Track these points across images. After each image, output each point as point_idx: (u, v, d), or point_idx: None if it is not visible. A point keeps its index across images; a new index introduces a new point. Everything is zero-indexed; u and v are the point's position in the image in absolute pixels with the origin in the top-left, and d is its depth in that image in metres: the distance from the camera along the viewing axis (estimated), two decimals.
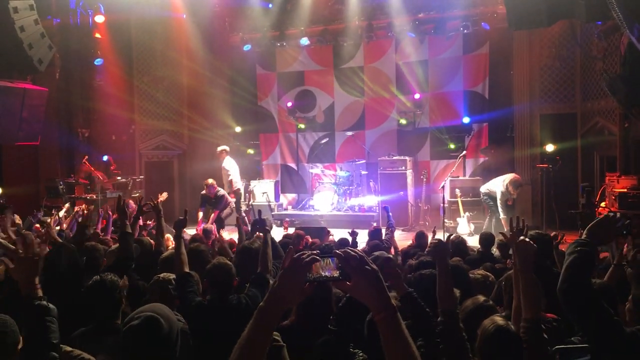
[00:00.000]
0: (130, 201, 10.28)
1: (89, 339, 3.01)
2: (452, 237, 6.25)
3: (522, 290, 2.76)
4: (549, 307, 3.23)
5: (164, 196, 8.10)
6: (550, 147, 11.53)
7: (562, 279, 2.43)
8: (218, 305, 3.53)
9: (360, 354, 2.70)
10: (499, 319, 2.59)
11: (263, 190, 13.63)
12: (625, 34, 6.93)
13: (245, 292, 3.72)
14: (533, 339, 2.57)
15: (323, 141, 14.86)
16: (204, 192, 11.07)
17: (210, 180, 11.07)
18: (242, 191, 12.26)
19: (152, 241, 5.58)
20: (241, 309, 3.52)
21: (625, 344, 2.36)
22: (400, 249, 6.90)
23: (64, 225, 7.39)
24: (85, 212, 6.78)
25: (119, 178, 12.32)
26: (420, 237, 6.92)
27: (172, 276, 3.61)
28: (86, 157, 11.90)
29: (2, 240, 4.23)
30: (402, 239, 10.19)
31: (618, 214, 2.64)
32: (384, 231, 7.09)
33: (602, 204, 10.19)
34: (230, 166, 11.86)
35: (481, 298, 3.15)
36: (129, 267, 4.04)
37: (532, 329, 2.59)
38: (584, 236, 2.52)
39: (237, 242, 6.31)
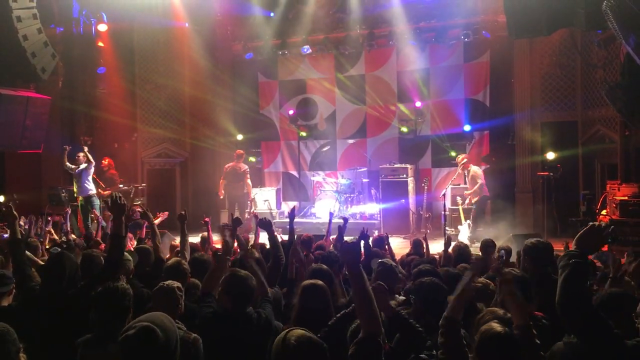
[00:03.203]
0: (138, 209, 10.33)
1: (91, 346, 3.03)
2: (455, 244, 6.30)
3: (508, 297, 2.80)
4: (541, 308, 3.27)
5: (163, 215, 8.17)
6: (551, 155, 11.54)
7: (559, 293, 2.46)
8: (237, 316, 3.45)
9: None
10: (496, 325, 2.61)
11: (265, 198, 13.65)
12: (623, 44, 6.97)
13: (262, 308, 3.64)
14: (526, 344, 2.61)
15: (324, 149, 14.89)
16: None
17: None
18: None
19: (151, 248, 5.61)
20: (260, 324, 3.46)
21: (625, 356, 2.38)
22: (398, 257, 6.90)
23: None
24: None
25: (121, 185, 12.36)
26: (417, 245, 6.93)
27: (177, 284, 3.59)
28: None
29: None
30: (404, 246, 10.19)
31: (603, 223, 2.67)
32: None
33: (603, 212, 10.20)
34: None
35: (500, 311, 3.14)
36: (114, 277, 3.78)
37: (523, 334, 2.63)
38: (573, 247, 2.56)
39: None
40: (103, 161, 12.65)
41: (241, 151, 13.13)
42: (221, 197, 12.95)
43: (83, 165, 10.82)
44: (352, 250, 2.73)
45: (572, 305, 2.44)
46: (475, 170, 11.36)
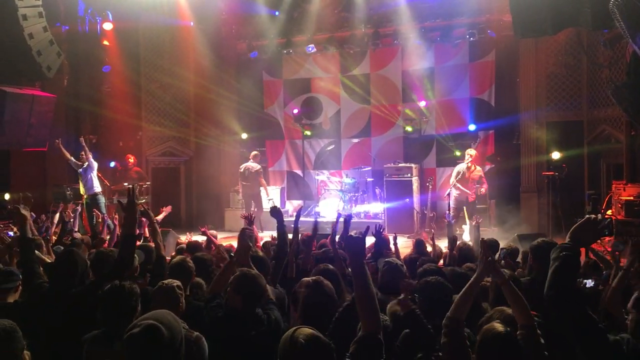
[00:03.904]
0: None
1: (97, 343, 3.03)
2: (459, 244, 6.29)
3: (509, 299, 2.81)
4: (536, 307, 3.27)
5: (166, 209, 8.23)
6: (556, 155, 11.51)
7: (548, 285, 2.49)
8: (246, 317, 3.41)
9: None
10: (498, 326, 2.61)
11: (269, 197, 13.66)
12: (630, 43, 6.94)
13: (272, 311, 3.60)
14: (530, 344, 2.61)
15: (329, 148, 14.90)
16: None
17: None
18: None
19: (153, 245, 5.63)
20: (271, 325, 3.42)
21: (607, 351, 2.43)
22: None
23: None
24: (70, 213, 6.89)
25: (125, 184, 12.37)
26: (420, 245, 6.91)
27: (176, 283, 3.58)
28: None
29: None
30: (408, 246, 10.17)
31: (599, 216, 2.69)
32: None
33: (609, 212, 10.17)
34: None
35: (509, 310, 3.15)
36: (123, 275, 3.76)
37: (528, 334, 2.64)
38: (567, 239, 2.57)
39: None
40: (129, 160, 12.76)
41: (255, 152, 13.25)
42: (239, 196, 13.40)
43: (85, 164, 10.87)
44: (356, 245, 2.71)
45: (560, 298, 2.46)
46: (480, 169, 11.22)
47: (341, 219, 6.96)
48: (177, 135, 14.63)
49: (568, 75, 12.21)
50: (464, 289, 2.85)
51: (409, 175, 12.68)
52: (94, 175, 11.01)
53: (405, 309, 3.08)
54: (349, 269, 4.76)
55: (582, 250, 6.38)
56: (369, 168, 13.88)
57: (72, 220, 7.52)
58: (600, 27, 8.32)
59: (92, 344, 3.02)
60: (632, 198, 9.54)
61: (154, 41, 14.26)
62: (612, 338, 2.50)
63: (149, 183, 13.43)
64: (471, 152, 11.05)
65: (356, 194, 13.38)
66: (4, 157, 11.86)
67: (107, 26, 12.42)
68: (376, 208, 13.20)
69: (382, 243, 6.34)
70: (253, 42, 14.40)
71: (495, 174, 13.00)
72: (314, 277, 3.62)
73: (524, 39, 11.66)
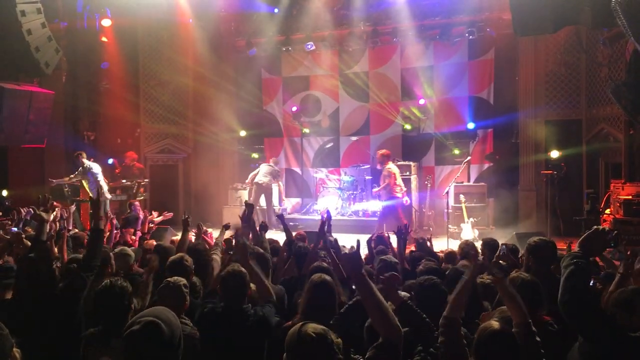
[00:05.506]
0: (136, 203, 10.36)
1: (95, 340, 3.03)
2: (461, 243, 6.28)
3: (504, 297, 2.82)
4: (550, 312, 3.25)
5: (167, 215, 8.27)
6: (555, 154, 11.51)
7: (562, 291, 2.51)
8: (232, 312, 3.48)
9: (361, 359, 2.70)
10: (495, 323, 2.61)
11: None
12: (631, 41, 6.94)
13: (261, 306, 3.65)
14: (525, 342, 2.62)
15: (328, 146, 14.88)
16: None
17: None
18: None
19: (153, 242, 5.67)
20: (257, 320, 3.47)
21: (630, 348, 2.41)
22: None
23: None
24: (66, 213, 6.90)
25: (124, 181, 12.35)
26: (421, 245, 6.89)
27: (183, 281, 3.60)
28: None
29: None
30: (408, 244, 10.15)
31: (607, 227, 2.74)
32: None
33: (607, 211, 10.18)
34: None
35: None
36: (91, 271, 3.86)
37: (523, 333, 2.64)
38: (576, 249, 2.62)
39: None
40: (128, 157, 12.75)
41: (275, 158, 14.05)
42: (250, 186, 13.50)
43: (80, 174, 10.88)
44: (353, 260, 2.68)
45: (574, 303, 2.49)
46: (390, 168, 11.40)
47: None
48: (175, 132, 14.61)
49: (567, 73, 12.20)
50: (456, 289, 2.86)
51: (408, 173, 12.68)
52: (97, 177, 10.94)
53: (397, 303, 3.07)
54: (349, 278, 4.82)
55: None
56: (368, 166, 13.86)
57: (65, 218, 7.52)
58: (600, 25, 8.33)
59: (90, 340, 3.04)
60: (630, 197, 9.54)
61: (152, 38, 14.23)
62: (634, 335, 2.50)
63: (147, 180, 13.41)
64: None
65: (355, 192, 13.37)
66: (2, 153, 11.85)
67: (106, 23, 12.39)
68: (374, 206, 13.18)
69: (377, 244, 6.36)
70: (252, 40, 14.38)
71: (494, 173, 13.01)
72: (319, 277, 3.63)
73: (524, 37, 11.67)
